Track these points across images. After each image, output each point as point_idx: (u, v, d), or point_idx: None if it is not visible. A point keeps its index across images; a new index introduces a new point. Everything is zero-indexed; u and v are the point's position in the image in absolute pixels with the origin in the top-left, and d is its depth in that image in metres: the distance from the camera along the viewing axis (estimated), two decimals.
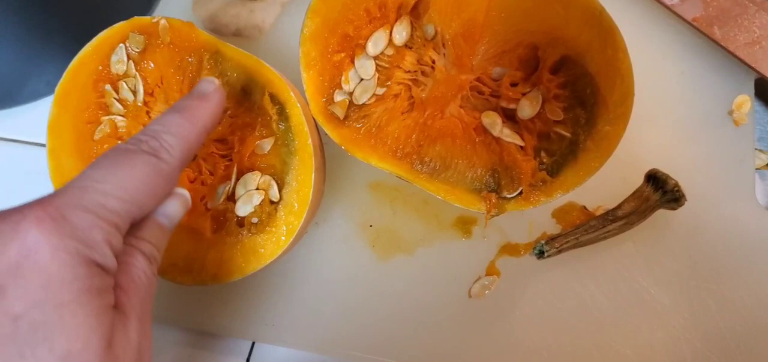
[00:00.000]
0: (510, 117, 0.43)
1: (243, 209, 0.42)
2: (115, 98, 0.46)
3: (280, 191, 0.42)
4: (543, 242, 0.44)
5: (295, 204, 0.41)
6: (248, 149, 0.43)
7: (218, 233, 0.43)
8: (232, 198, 0.43)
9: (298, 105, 0.41)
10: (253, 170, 0.42)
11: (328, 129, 0.43)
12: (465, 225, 0.48)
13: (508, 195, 0.41)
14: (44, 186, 0.44)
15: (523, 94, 0.42)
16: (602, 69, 0.38)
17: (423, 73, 0.44)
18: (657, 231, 0.46)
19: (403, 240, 0.48)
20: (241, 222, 0.42)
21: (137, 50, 0.45)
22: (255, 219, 0.42)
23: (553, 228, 0.47)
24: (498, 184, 0.42)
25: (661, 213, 0.45)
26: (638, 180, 0.45)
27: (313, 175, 0.41)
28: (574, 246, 0.45)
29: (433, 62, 0.44)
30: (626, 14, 0.53)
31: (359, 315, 0.46)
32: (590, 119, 0.39)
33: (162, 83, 0.46)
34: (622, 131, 0.38)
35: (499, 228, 0.48)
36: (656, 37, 0.53)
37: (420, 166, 0.42)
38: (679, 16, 0.53)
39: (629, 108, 0.37)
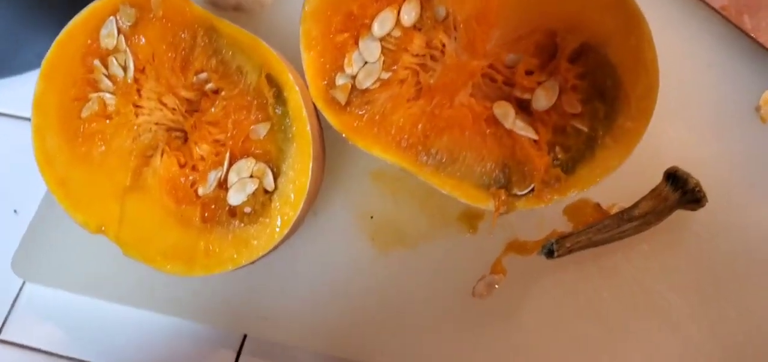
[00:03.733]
0: (524, 107, 0.40)
1: (235, 198, 0.39)
2: (104, 74, 0.43)
3: (275, 180, 0.39)
4: (553, 241, 0.42)
5: (292, 195, 0.38)
6: (242, 134, 0.40)
7: (209, 222, 0.40)
8: (223, 185, 0.40)
9: (297, 88, 0.39)
10: (247, 156, 0.40)
11: (328, 115, 0.40)
12: (471, 219, 0.45)
13: (519, 193, 0.38)
14: (31, 163, 0.42)
15: (539, 84, 0.39)
16: (625, 59, 0.36)
17: (432, 57, 0.41)
18: (675, 233, 0.43)
19: (405, 234, 0.46)
20: (233, 211, 0.40)
21: (128, 24, 0.43)
22: (248, 209, 0.39)
23: (564, 225, 0.44)
24: (508, 180, 0.39)
25: (680, 214, 0.43)
26: (656, 176, 0.42)
27: (311, 163, 0.38)
28: (586, 247, 0.42)
29: (443, 46, 0.41)
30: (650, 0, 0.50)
31: (356, 311, 0.44)
32: (610, 113, 0.37)
33: (154, 60, 0.43)
34: (644, 128, 0.35)
35: (507, 223, 0.45)
36: (682, 25, 0.50)
37: (425, 157, 0.40)
38: (707, 4, 0.50)
39: (653, 102, 0.35)
